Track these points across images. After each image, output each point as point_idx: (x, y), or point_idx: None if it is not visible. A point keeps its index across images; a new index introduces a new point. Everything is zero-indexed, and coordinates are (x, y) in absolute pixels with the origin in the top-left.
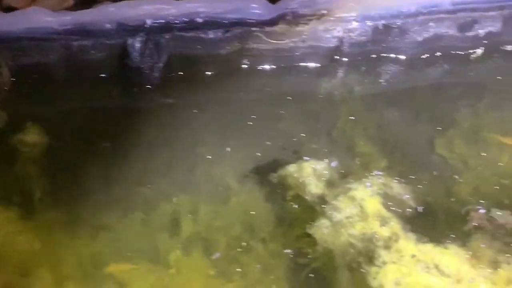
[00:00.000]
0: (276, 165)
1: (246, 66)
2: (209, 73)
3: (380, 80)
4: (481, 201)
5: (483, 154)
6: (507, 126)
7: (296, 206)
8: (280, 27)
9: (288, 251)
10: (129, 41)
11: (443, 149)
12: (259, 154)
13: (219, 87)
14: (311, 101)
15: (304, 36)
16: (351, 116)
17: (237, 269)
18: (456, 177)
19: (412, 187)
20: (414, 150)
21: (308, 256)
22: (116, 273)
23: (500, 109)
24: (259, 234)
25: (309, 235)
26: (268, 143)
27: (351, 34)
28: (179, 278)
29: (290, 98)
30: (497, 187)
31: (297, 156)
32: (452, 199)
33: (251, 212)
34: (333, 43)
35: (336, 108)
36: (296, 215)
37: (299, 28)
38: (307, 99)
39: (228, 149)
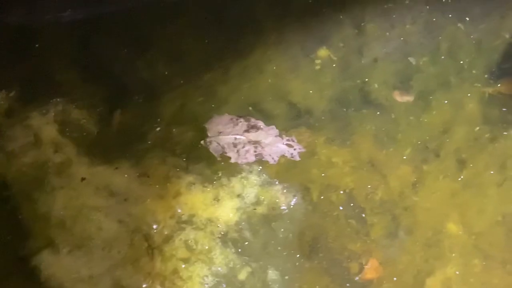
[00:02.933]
0: None
1: None
2: None
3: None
4: (159, 119)
5: (186, 73)
6: (208, 45)
7: None
8: None
9: None
10: None
11: (145, 71)
12: None
13: None
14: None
15: None
16: (48, 43)
17: None
18: (156, 99)
19: (92, 113)
20: (117, 73)
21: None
22: None
23: (200, 28)
24: None
25: None
26: None
27: None
28: None
29: None
30: (194, 106)
31: None
32: (147, 122)
33: None
34: None
35: (34, 36)
36: None
37: None
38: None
39: None
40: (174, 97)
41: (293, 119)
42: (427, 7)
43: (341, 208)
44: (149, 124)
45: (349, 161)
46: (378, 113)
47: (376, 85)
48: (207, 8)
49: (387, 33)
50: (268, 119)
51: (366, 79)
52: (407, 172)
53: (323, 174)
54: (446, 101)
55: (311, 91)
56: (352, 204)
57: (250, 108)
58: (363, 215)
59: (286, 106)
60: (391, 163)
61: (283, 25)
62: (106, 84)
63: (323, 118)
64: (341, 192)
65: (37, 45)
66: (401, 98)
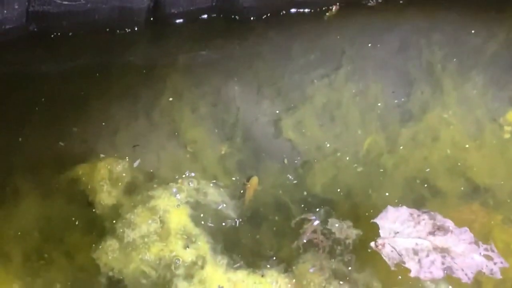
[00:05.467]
0: (70, 161)
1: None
2: None
3: (210, 48)
4: (317, 209)
5: (341, 136)
6: (370, 100)
7: (78, 223)
8: None
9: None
10: None
11: (292, 132)
12: (61, 144)
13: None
14: (126, 75)
15: None
16: (175, 93)
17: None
18: (305, 167)
19: (232, 191)
20: (257, 133)
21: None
22: None
23: (362, 78)
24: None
25: None
26: (73, 129)
27: None
28: None
29: (99, 71)
30: (352, 179)
31: (93, 152)
32: (293, 201)
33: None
34: (145, 2)
35: (157, 83)
36: (79, 234)
37: None
38: (121, 73)
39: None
40: (325, 167)
41: (465, 195)
42: None
43: None
44: (299, 207)
45: None
46: None
47: None
48: (369, 53)
49: None
50: (435, 196)
51: None
52: None
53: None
54: None
55: (496, 166)
56: None
57: (418, 181)
58: None
59: (463, 182)
60: None
61: (465, 79)
62: (242, 146)
63: (507, 199)
64: None
65: (170, 99)
66: None
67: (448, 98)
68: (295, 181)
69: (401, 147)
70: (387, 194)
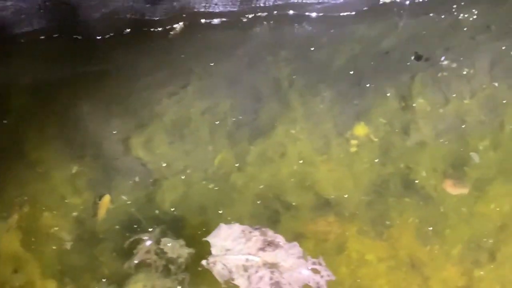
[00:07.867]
0: None
1: None
2: None
3: (55, 67)
4: (150, 229)
5: (191, 153)
6: (219, 117)
7: None
8: None
9: None
10: None
11: (141, 150)
12: None
13: None
14: None
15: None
16: (20, 115)
17: None
18: (156, 185)
19: (65, 213)
20: (108, 151)
21: None
22: None
23: (211, 95)
24: None
25: None
26: None
27: None
28: None
29: None
30: (202, 196)
31: None
32: (145, 218)
33: None
34: None
35: (1, 104)
36: None
37: None
38: None
39: None
40: (176, 184)
41: (319, 208)
42: (491, 78)
43: None
44: (150, 225)
45: (385, 259)
46: (423, 203)
47: (423, 173)
48: (217, 71)
49: (440, 110)
50: (288, 210)
51: (411, 165)
52: (454, 276)
53: (353, 274)
54: (507, 193)
55: (343, 179)
56: None
57: (270, 195)
58: None
59: (312, 196)
60: (436, 264)
61: (313, 95)
62: (93, 165)
63: (356, 211)
64: None
65: (15, 120)
66: (453, 189)
67: (295, 113)
68: (146, 199)
69: (251, 164)
70: (235, 211)
